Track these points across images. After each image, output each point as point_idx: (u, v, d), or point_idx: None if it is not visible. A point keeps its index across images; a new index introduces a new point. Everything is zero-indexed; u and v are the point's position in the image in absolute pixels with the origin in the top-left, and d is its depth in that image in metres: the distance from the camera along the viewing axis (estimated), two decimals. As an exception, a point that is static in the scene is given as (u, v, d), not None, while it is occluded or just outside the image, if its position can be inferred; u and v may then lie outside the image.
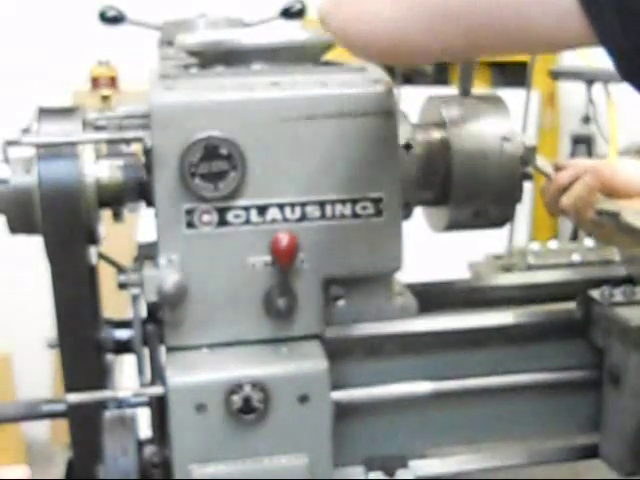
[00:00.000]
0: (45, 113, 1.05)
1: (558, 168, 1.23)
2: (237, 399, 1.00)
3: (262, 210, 1.02)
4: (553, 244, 1.42)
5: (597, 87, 3.32)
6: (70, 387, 1.05)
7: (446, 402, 1.15)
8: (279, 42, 1.11)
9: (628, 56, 0.69)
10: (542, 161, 1.23)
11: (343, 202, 1.04)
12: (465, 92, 1.17)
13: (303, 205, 1.03)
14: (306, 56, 1.13)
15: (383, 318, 1.12)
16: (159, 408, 1.05)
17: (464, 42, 0.78)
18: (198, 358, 1.04)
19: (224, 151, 0.99)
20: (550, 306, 1.24)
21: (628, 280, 1.24)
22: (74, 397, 1.03)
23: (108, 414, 1.07)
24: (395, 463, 1.13)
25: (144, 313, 1.09)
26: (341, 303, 1.10)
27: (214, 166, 0.99)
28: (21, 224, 1.04)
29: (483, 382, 1.15)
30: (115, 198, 1.07)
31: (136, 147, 1.09)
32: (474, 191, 1.13)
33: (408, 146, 1.10)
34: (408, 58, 0.87)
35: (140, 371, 1.08)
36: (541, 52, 0.90)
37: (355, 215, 1.04)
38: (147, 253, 1.07)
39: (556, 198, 1.20)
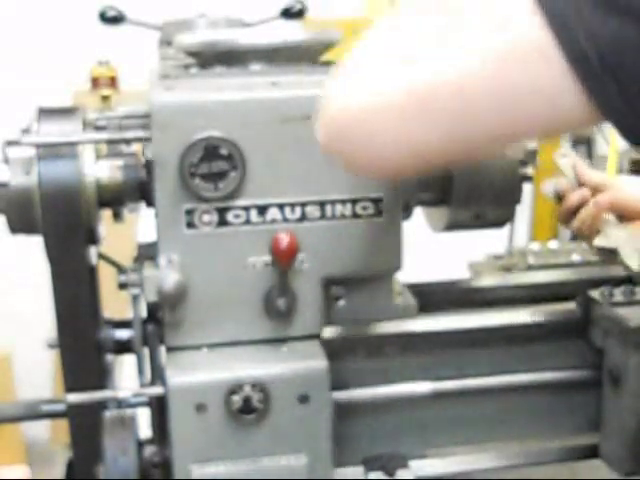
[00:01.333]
0: (45, 113, 1.05)
1: (579, 183, 1.24)
2: (237, 399, 1.00)
3: (262, 210, 1.02)
4: (553, 244, 1.42)
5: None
6: (70, 387, 1.05)
7: (446, 402, 1.15)
8: (277, 42, 1.11)
9: (633, 125, 0.65)
10: (582, 168, 1.24)
11: (343, 202, 1.04)
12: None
13: (303, 205, 1.03)
14: (304, 56, 1.13)
15: (383, 318, 1.12)
16: (159, 408, 1.05)
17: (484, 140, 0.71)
18: (198, 358, 1.04)
19: (224, 151, 0.99)
20: (550, 306, 1.24)
21: (628, 280, 1.24)
22: (74, 397, 1.03)
23: (108, 414, 1.07)
24: (395, 463, 1.13)
25: (144, 313, 1.09)
26: (341, 303, 1.10)
27: (214, 166, 0.99)
28: (21, 224, 1.04)
29: (483, 382, 1.15)
30: (115, 198, 1.07)
31: (136, 147, 1.09)
32: (474, 191, 1.13)
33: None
34: (427, 167, 0.80)
35: (140, 371, 1.08)
36: (552, 136, 0.85)
37: (355, 215, 1.05)
38: (147, 253, 1.07)
39: (567, 219, 1.22)
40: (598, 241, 1.18)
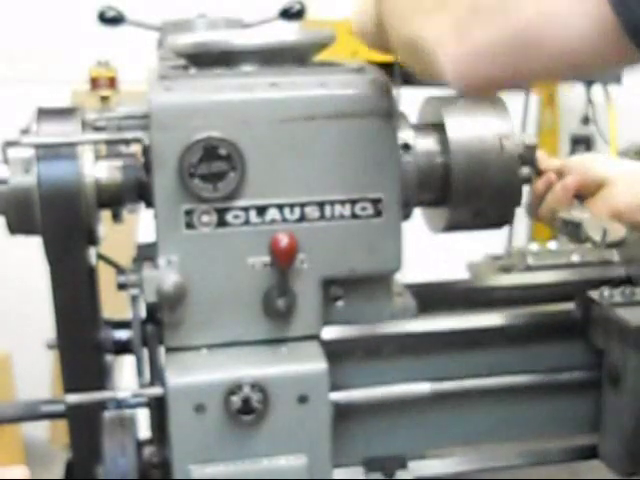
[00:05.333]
0: (44, 113, 1.05)
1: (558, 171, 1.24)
2: (236, 400, 1.00)
3: (261, 211, 1.02)
4: (552, 245, 1.42)
5: (596, 88, 3.32)
6: (69, 387, 1.05)
7: (445, 403, 1.15)
8: (269, 43, 1.11)
9: None
10: (541, 155, 1.24)
11: (342, 203, 1.04)
12: (464, 93, 1.17)
13: (302, 206, 1.03)
14: (297, 57, 1.13)
15: (382, 319, 1.12)
16: (158, 409, 1.05)
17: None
18: (197, 359, 1.04)
19: (223, 152, 0.99)
20: (549, 307, 1.24)
21: (628, 281, 1.24)
22: (73, 398, 1.03)
23: (107, 415, 1.07)
24: (394, 464, 1.13)
25: (143, 314, 1.09)
26: (340, 303, 1.10)
27: (213, 167, 0.99)
28: (20, 225, 1.03)
29: (482, 383, 1.15)
30: (114, 199, 1.07)
31: (135, 148, 1.09)
32: (473, 191, 1.13)
33: (407, 146, 1.10)
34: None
35: (139, 372, 1.08)
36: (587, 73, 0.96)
37: (354, 216, 1.04)
38: (146, 254, 1.07)
39: (536, 208, 1.22)
40: (564, 214, 1.18)
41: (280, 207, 1.03)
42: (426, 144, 1.13)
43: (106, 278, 1.15)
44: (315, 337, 1.07)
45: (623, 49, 0.74)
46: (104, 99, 3.09)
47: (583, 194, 1.23)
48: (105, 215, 1.10)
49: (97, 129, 1.08)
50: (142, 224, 1.60)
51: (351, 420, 1.13)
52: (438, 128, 1.13)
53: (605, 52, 0.76)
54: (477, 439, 1.20)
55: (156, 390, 1.03)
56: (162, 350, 1.07)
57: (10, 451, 3.09)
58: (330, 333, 1.09)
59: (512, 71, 0.83)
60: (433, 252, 2.18)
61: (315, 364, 1.03)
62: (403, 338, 1.15)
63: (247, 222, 1.02)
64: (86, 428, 1.07)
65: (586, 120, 3.39)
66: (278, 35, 1.12)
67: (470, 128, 1.12)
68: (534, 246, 1.42)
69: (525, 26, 0.78)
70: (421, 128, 1.15)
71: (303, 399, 1.02)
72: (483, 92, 0.93)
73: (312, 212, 1.03)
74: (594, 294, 1.17)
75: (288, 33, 1.13)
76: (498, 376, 1.16)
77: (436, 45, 0.84)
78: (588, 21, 0.74)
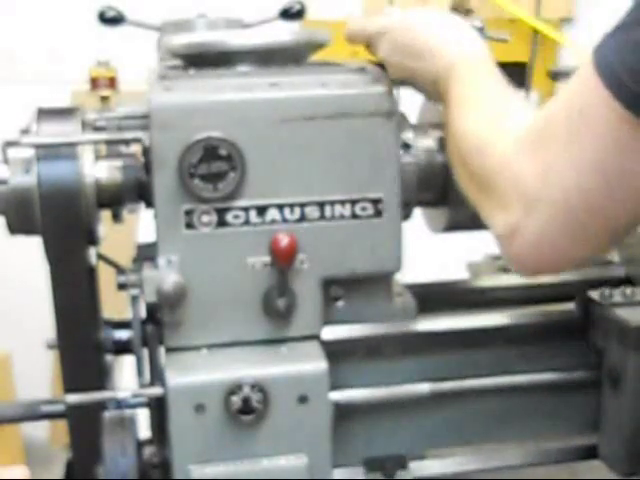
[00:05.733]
0: (44, 114, 1.05)
1: None
2: (236, 400, 1.00)
3: (261, 211, 1.02)
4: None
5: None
6: (69, 388, 1.05)
7: (445, 403, 1.15)
8: (263, 44, 1.11)
9: None
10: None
11: (342, 203, 1.04)
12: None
13: (302, 206, 1.03)
14: (292, 57, 1.13)
15: (383, 319, 1.12)
16: (158, 409, 1.05)
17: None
18: (197, 359, 1.04)
19: (223, 152, 0.99)
20: (549, 307, 1.24)
21: (627, 281, 1.24)
22: (73, 398, 1.03)
23: (107, 415, 1.07)
24: (394, 464, 1.13)
25: (143, 314, 1.09)
26: (340, 304, 1.10)
27: (213, 167, 0.99)
28: (20, 225, 1.03)
29: (482, 383, 1.15)
30: (114, 199, 1.07)
31: (135, 148, 1.09)
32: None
33: (407, 146, 1.10)
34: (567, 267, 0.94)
35: (139, 372, 1.08)
36: None
37: (354, 216, 1.04)
38: (146, 254, 1.07)
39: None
40: None
41: (280, 207, 1.03)
42: (426, 144, 1.13)
43: (106, 278, 1.15)
44: (315, 337, 1.07)
45: None
46: (104, 99, 3.09)
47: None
48: (105, 215, 1.10)
49: (97, 129, 1.08)
50: (142, 224, 1.59)
51: (351, 420, 1.13)
52: (438, 128, 1.13)
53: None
54: (477, 439, 1.20)
55: (156, 390, 1.03)
56: (162, 350, 1.07)
57: (10, 451, 3.08)
58: (330, 333, 1.09)
59: (581, 242, 0.84)
60: (433, 252, 2.18)
61: (315, 364, 1.03)
62: (403, 338, 1.15)
63: (247, 222, 1.02)
64: (86, 428, 1.07)
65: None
66: (273, 35, 1.12)
67: (470, 128, 1.12)
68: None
69: (571, 194, 0.79)
70: (421, 128, 1.15)
71: (303, 399, 1.02)
72: (558, 270, 0.95)
73: (312, 212, 1.03)
74: (594, 294, 1.17)
75: (283, 33, 1.13)
76: (498, 376, 1.16)
77: (497, 239, 0.90)
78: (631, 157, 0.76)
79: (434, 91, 1.01)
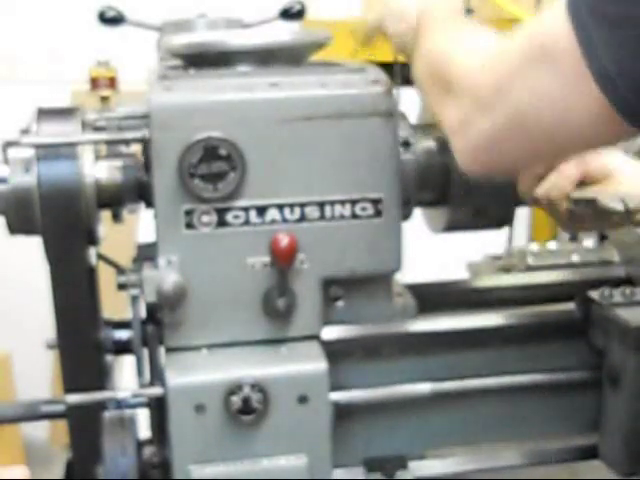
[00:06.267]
0: (44, 114, 1.05)
1: None
2: (236, 400, 1.00)
3: (261, 211, 1.02)
4: (552, 245, 1.42)
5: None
6: (69, 388, 1.05)
7: (445, 403, 1.15)
8: (263, 44, 1.11)
9: None
10: None
11: (342, 203, 1.04)
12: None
13: (302, 206, 1.03)
14: (291, 57, 1.13)
15: (382, 319, 1.12)
16: (158, 409, 1.05)
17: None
18: (197, 359, 1.04)
19: (223, 152, 0.99)
20: (549, 307, 1.24)
21: (627, 281, 1.24)
22: (73, 398, 1.03)
23: (107, 415, 1.07)
24: (394, 464, 1.13)
25: (143, 314, 1.09)
26: (340, 304, 1.10)
27: (213, 167, 0.99)
28: (20, 225, 1.03)
29: (482, 383, 1.15)
30: (114, 199, 1.07)
31: (135, 148, 1.09)
32: (473, 191, 1.13)
33: (407, 144, 1.10)
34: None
35: (139, 372, 1.08)
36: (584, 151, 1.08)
37: (354, 216, 1.04)
38: (146, 254, 1.07)
39: (531, 187, 1.18)
40: (576, 194, 1.15)
41: (280, 207, 1.03)
42: (426, 144, 1.13)
43: (106, 278, 1.15)
44: (315, 337, 1.07)
45: (617, 126, 0.77)
46: (104, 99, 3.08)
47: (585, 184, 1.19)
48: (105, 215, 1.10)
49: (97, 129, 1.08)
50: (142, 224, 1.59)
51: (351, 420, 1.13)
52: (438, 128, 1.13)
53: (600, 129, 0.79)
54: (477, 439, 1.20)
55: (156, 390, 1.03)
56: (162, 350, 1.07)
57: (10, 451, 3.08)
58: (330, 333, 1.09)
59: (512, 157, 0.90)
60: (433, 252, 2.18)
61: (315, 364, 1.03)
62: (403, 338, 1.15)
63: (247, 222, 1.02)
64: (86, 428, 1.07)
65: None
66: (273, 35, 1.13)
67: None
68: (534, 246, 1.42)
69: (522, 111, 0.83)
70: (421, 127, 1.15)
71: (303, 399, 1.02)
72: (490, 176, 1.00)
73: (312, 212, 1.03)
74: (594, 294, 1.17)
75: (283, 33, 1.13)
76: (498, 376, 1.16)
77: (449, 135, 0.93)
78: (582, 102, 0.78)
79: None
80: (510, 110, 0.84)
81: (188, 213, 1.01)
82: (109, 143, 1.07)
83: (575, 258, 1.36)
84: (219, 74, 1.09)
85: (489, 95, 0.86)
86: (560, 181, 1.15)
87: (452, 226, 1.17)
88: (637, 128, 0.79)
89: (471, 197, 1.13)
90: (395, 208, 1.06)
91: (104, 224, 1.11)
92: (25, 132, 1.03)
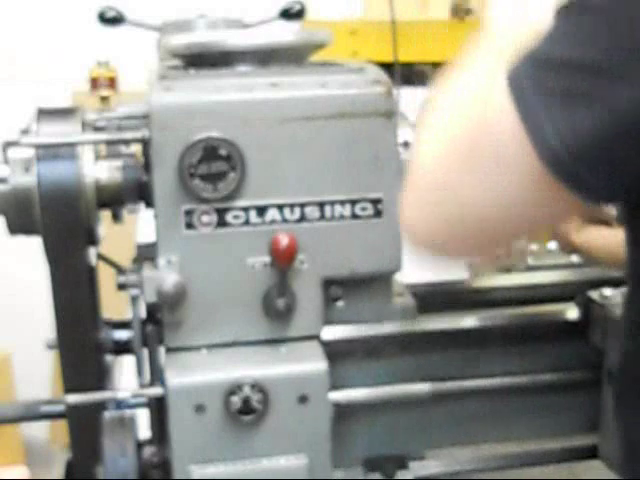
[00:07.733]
0: (44, 114, 1.05)
1: None
2: (236, 400, 1.00)
3: (261, 211, 1.02)
4: (552, 245, 1.42)
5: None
6: (69, 388, 1.05)
7: (445, 403, 1.15)
8: (263, 44, 1.11)
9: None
10: None
11: (342, 203, 1.04)
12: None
13: (302, 206, 1.03)
14: (292, 57, 1.13)
15: (382, 319, 1.12)
16: (158, 409, 1.05)
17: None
18: (197, 359, 1.04)
19: (223, 152, 0.99)
20: (549, 307, 1.24)
21: (627, 281, 1.24)
22: (73, 398, 1.03)
23: (107, 415, 1.07)
24: (394, 464, 1.13)
25: (143, 314, 1.09)
26: (340, 304, 1.10)
27: (213, 167, 0.99)
28: (20, 225, 1.04)
29: (482, 383, 1.15)
30: (114, 199, 1.07)
31: (135, 148, 1.09)
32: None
33: (407, 144, 1.10)
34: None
35: (139, 372, 1.08)
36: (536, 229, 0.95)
37: (354, 216, 1.05)
38: (146, 254, 1.07)
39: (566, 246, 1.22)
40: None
41: (280, 207, 1.03)
42: (426, 144, 1.13)
43: (106, 278, 1.15)
44: (315, 337, 1.07)
45: (563, 195, 0.70)
46: (104, 99, 3.09)
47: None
48: (105, 215, 1.10)
49: (97, 129, 1.08)
50: (142, 224, 1.60)
51: (351, 420, 1.13)
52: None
53: (545, 202, 0.72)
54: (477, 439, 1.20)
55: (156, 390, 1.03)
56: (162, 350, 1.07)
57: (10, 451, 3.08)
58: (330, 333, 1.09)
59: (459, 236, 0.79)
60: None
61: (315, 364, 1.03)
62: (403, 338, 1.15)
63: (247, 222, 1.02)
64: (86, 428, 1.07)
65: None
66: (273, 35, 1.13)
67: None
68: (534, 246, 1.42)
69: (470, 208, 0.75)
70: (421, 128, 1.15)
71: (303, 399, 1.02)
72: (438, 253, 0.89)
73: (312, 212, 1.04)
74: (594, 294, 1.17)
75: (283, 33, 1.13)
76: (498, 376, 1.16)
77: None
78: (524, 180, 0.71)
79: None
80: (457, 208, 0.76)
81: (188, 213, 1.01)
82: (109, 143, 1.07)
83: (575, 258, 1.36)
84: (219, 74, 1.09)
85: (436, 190, 0.77)
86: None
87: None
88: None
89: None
90: (395, 208, 1.06)
91: (104, 224, 1.11)
92: (25, 132, 1.03)
